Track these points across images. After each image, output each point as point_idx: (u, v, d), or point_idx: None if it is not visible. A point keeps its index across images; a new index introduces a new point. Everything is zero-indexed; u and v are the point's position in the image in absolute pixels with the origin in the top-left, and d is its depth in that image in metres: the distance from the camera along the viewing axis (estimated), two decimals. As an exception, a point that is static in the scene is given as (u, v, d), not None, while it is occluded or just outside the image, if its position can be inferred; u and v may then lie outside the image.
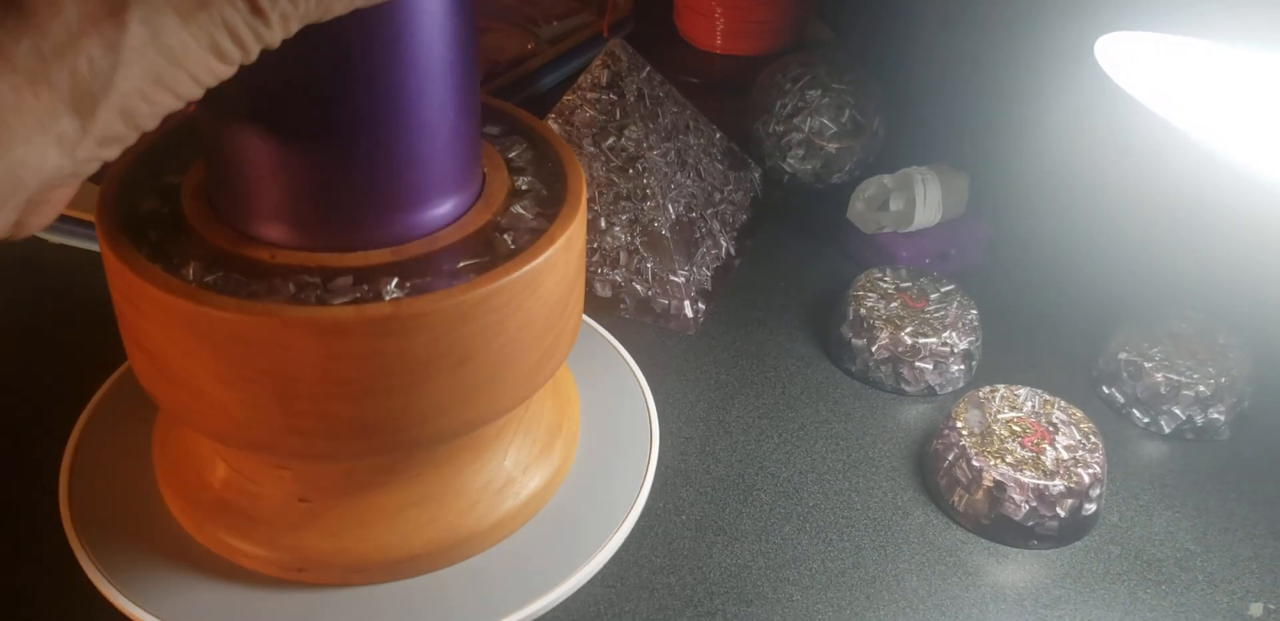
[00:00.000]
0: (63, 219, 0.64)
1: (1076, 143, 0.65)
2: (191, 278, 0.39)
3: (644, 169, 0.64)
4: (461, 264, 0.41)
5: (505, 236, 0.43)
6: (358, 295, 0.39)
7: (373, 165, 0.40)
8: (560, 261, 0.42)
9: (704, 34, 0.92)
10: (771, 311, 0.66)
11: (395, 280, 0.40)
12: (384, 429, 0.42)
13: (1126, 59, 0.45)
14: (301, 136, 0.39)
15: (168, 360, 0.41)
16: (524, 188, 0.45)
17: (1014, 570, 0.52)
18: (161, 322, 0.40)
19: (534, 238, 0.42)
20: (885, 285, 0.63)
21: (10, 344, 0.61)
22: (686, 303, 0.64)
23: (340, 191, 0.40)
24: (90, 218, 0.63)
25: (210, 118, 0.40)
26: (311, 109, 0.38)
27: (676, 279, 0.64)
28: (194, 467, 0.49)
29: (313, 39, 0.35)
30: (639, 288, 0.64)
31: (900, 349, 0.60)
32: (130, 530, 0.49)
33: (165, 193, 0.44)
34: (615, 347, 0.60)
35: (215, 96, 0.39)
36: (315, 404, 0.40)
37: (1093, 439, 0.54)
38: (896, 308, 0.61)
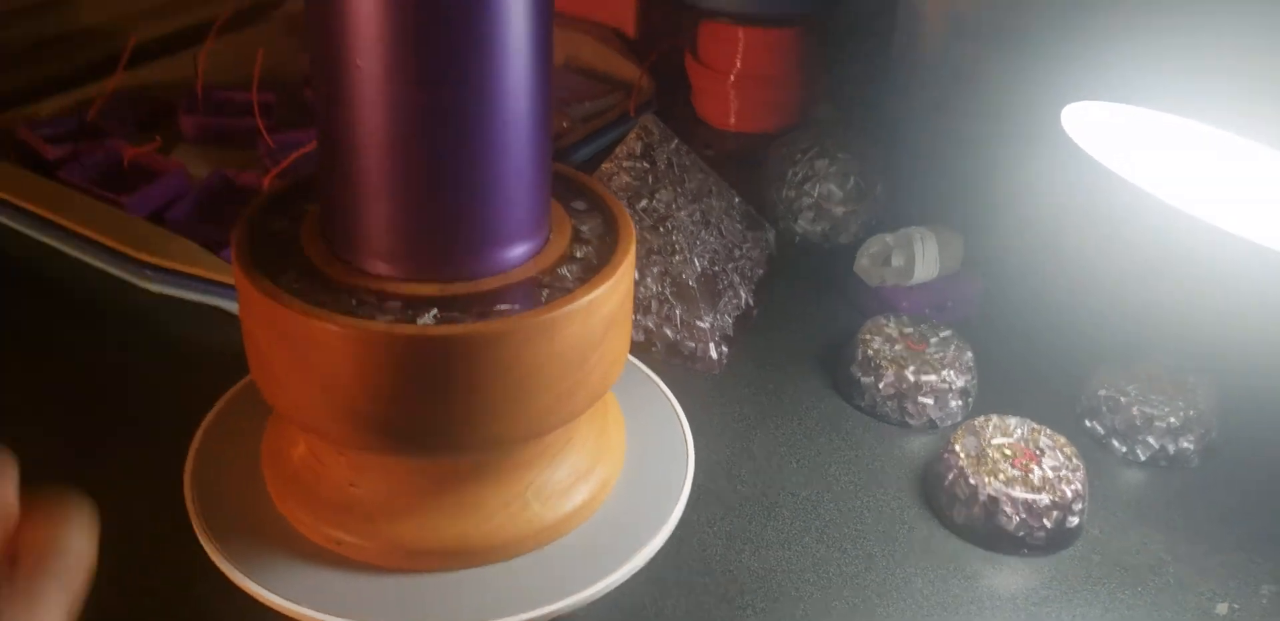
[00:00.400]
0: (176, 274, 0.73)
1: (1053, 203, 0.73)
2: (281, 283, 0.49)
3: (673, 227, 0.72)
4: (496, 307, 0.49)
5: (543, 292, 0.50)
6: (399, 317, 0.48)
7: (435, 217, 0.49)
8: (577, 320, 0.49)
9: (718, 114, 1.00)
10: (787, 354, 0.74)
11: (434, 311, 0.48)
12: (402, 432, 0.50)
13: (1089, 126, 0.54)
14: (376, 189, 0.48)
15: (257, 347, 0.51)
16: (579, 255, 0.53)
17: (1008, 575, 0.59)
18: (254, 315, 0.50)
19: (561, 296, 0.50)
20: (890, 330, 0.71)
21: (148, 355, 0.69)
22: (711, 345, 0.71)
23: (405, 234, 0.49)
24: (193, 270, 0.72)
25: (318, 157, 0.49)
26: (389, 169, 0.47)
27: (702, 324, 0.71)
28: (284, 446, 0.58)
29: (394, 102, 0.45)
30: (669, 332, 0.72)
31: (904, 386, 0.67)
32: (235, 501, 0.58)
33: (296, 216, 0.53)
34: (657, 383, 0.68)
35: (321, 144, 0.48)
36: (348, 400, 0.49)
37: (1074, 460, 0.61)
38: (900, 349, 0.69)
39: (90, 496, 0.59)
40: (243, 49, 0.94)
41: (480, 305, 0.49)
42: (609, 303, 0.52)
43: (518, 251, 0.51)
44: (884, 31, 0.94)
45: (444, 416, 0.50)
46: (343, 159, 0.48)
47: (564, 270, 0.52)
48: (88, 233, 0.73)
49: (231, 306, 0.71)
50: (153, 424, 0.65)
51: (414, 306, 0.48)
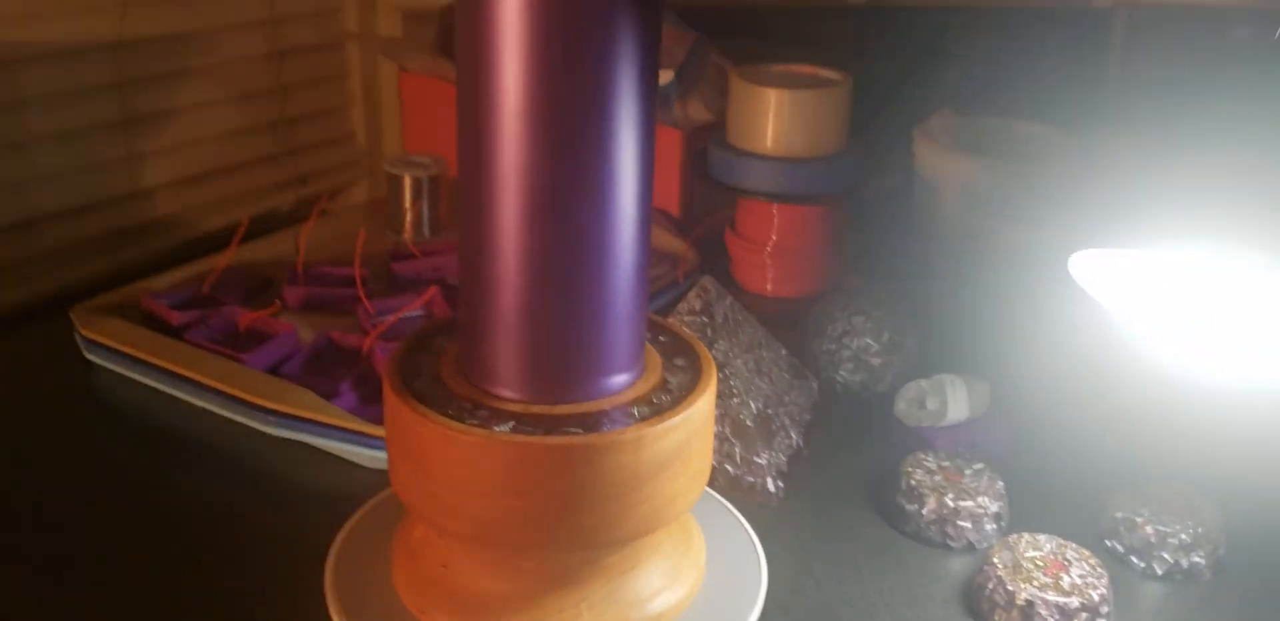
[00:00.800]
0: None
1: (1065, 347, 0.83)
2: (410, 385, 0.60)
3: (730, 374, 0.82)
4: (562, 429, 0.59)
5: (604, 425, 0.60)
6: (481, 423, 0.58)
7: (530, 356, 0.60)
8: (626, 452, 0.58)
9: (756, 281, 1.11)
10: (836, 488, 0.82)
11: (511, 423, 0.58)
12: (468, 520, 0.60)
13: (1095, 271, 0.64)
14: (485, 328, 0.59)
15: (390, 434, 0.62)
16: (656, 401, 0.62)
17: (1048, 673, 0.66)
18: (389, 408, 0.61)
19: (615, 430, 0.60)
20: (929, 463, 0.80)
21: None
22: (769, 479, 0.80)
23: (503, 365, 0.60)
24: (309, 415, 0.81)
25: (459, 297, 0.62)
26: (494, 318, 0.59)
27: (759, 460, 0.80)
28: (410, 528, 0.68)
29: (505, 259, 0.57)
30: (729, 468, 0.81)
31: (945, 511, 0.76)
32: (365, 575, 0.68)
33: (454, 337, 0.65)
34: (732, 512, 0.77)
35: (460, 287, 0.60)
36: (435, 486, 0.59)
37: (1099, 569, 0.69)
38: (939, 479, 0.78)
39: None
40: (324, 232, 1.10)
41: (549, 425, 0.59)
42: (661, 442, 0.59)
43: (597, 389, 0.61)
44: (904, 206, 1.06)
45: (501, 513, 0.59)
46: (465, 305, 0.61)
47: (635, 410, 0.61)
48: (217, 385, 0.83)
49: (340, 448, 0.81)
50: (284, 539, 0.74)
51: (498, 418, 0.59)
